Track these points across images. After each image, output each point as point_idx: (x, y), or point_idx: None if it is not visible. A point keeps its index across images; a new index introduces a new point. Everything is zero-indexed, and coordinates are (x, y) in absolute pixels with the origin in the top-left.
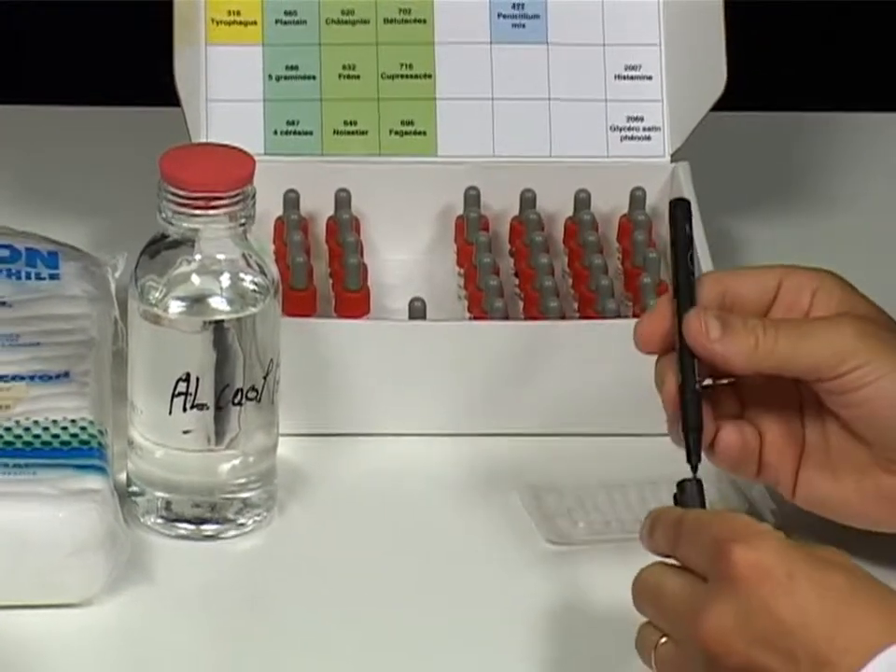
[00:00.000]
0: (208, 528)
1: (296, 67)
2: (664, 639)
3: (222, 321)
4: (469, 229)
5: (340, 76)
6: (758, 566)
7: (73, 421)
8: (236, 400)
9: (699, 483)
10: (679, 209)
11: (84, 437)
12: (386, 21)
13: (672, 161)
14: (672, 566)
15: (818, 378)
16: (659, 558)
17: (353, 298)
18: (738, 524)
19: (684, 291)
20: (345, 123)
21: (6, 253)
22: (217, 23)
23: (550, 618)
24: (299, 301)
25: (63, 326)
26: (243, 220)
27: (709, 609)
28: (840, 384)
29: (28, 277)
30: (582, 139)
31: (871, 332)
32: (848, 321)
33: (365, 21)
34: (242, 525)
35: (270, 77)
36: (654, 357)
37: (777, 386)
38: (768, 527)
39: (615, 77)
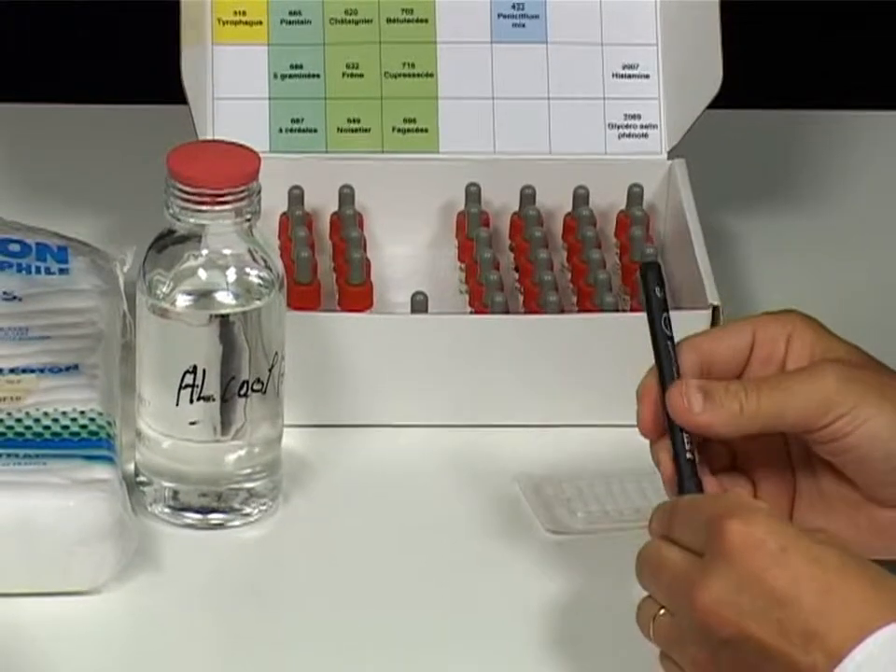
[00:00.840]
0: (214, 517)
1: (300, 66)
2: (661, 612)
3: (228, 315)
4: (470, 224)
5: (343, 74)
6: (751, 538)
7: (82, 412)
8: (242, 392)
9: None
10: (651, 272)
11: (93, 428)
12: (389, 20)
13: (669, 158)
14: (672, 542)
15: (805, 430)
16: None
17: (356, 292)
18: (731, 501)
19: (666, 363)
20: (349, 121)
21: (16, 248)
22: (224, 23)
23: (549, 605)
24: (303, 294)
25: (73, 319)
26: (248, 216)
27: (704, 582)
28: (827, 433)
29: (38, 272)
30: (581, 136)
31: (851, 377)
32: (828, 370)
33: (368, 21)
34: (247, 514)
35: (275, 75)
36: (648, 352)
37: (765, 437)
38: (762, 504)
39: (613, 75)
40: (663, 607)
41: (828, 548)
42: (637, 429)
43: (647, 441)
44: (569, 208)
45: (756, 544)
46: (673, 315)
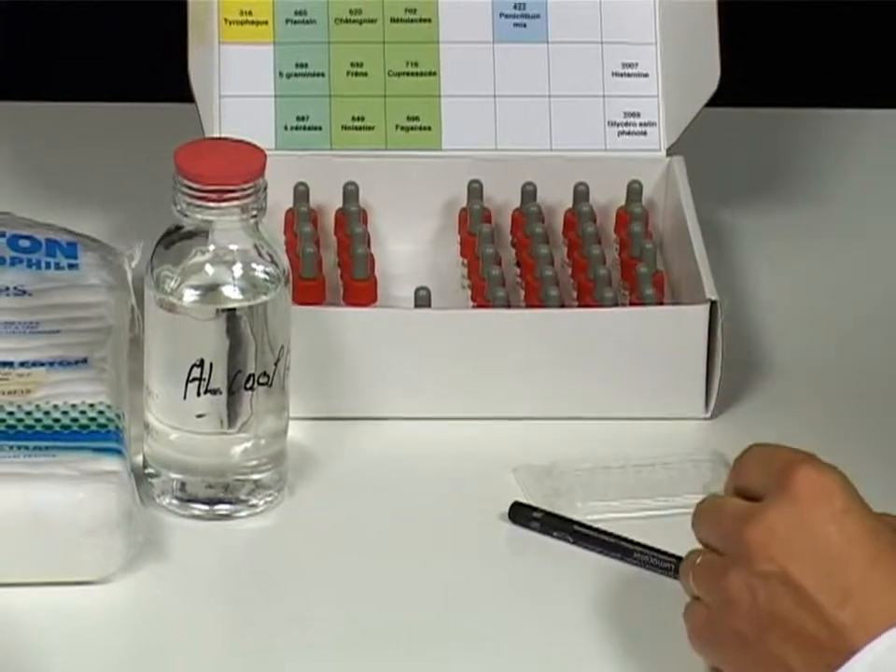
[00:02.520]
0: (221, 509)
1: (305, 65)
2: (703, 556)
3: (235, 309)
4: (472, 220)
5: (348, 73)
6: (820, 487)
7: (91, 405)
8: (248, 385)
9: None
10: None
11: (102, 420)
12: (393, 20)
13: (668, 155)
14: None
15: None
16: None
17: (360, 287)
18: (808, 454)
19: None
20: (353, 119)
21: (27, 243)
22: (230, 23)
23: (550, 594)
24: (308, 289)
25: (82, 314)
26: (255, 212)
27: (763, 514)
28: None
29: (48, 267)
30: (581, 134)
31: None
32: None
33: (372, 21)
34: (253, 505)
35: (280, 74)
36: (647, 346)
37: None
38: (831, 465)
39: (613, 74)
40: (713, 549)
41: (883, 524)
42: (637, 422)
43: (648, 434)
44: (570, 204)
45: (822, 496)
46: (672, 309)
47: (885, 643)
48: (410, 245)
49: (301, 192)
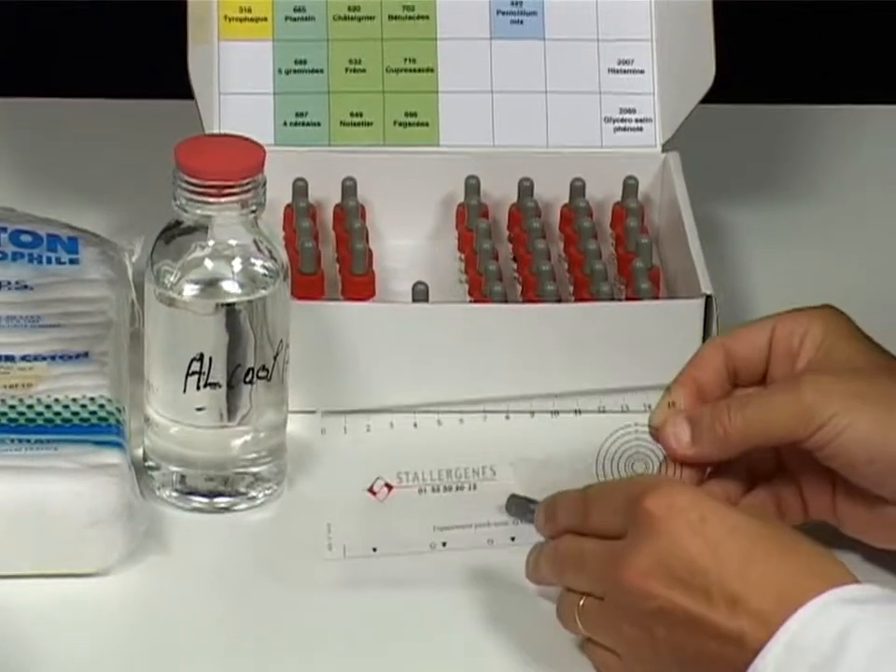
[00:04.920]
0: (221, 501)
1: (304, 62)
2: (583, 600)
3: (234, 304)
4: (470, 216)
5: (346, 69)
6: (671, 507)
7: (92, 399)
8: (247, 379)
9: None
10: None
11: (102, 414)
12: (391, 17)
13: (663, 151)
14: (586, 533)
15: (795, 441)
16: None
17: (359, 281)
18: (647, 479)
19: None
20: (352, 115)
21: (28, 238)
22: (229, 20)
23: (546, 586)
24: (307, 284)
25: (83, 308)
26: (254, 207)
27: (628, 557)
28: (812, 443)
29: (49, 262)
30: (578, 130)
31: (830, 387)
32: (806, 380)
33: (370, 18)
34: (253, 498)
35: (279, 70)
36: (643, 340)
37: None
38: (676, 479)
39: (609, 70)
40: (585, 595)
41: (745, 517)
42: (632, 415)
43: (644, 427)
44: (566, 200)
45: (675, 514)
46: (668, 304)
47: (790, 630)
48: (408, 240)
49: (300, 188)
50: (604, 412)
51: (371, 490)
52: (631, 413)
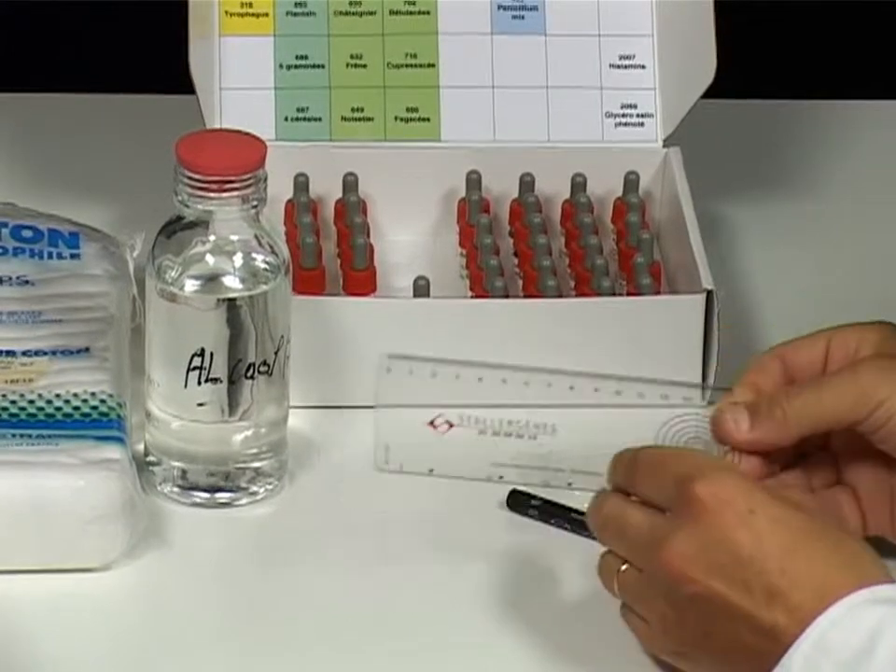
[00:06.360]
0: (222, 496)
1: (305, 57)
2: (625, 566)
3: (235, 299)
4: (471, 211)
5: (347, 65)
6: (719, 497)
7: (93, 394)
8: (249, 374)
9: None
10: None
11: (104, 409)
12: (392, 12)
13: (664, 147)
14: (633, 496)
15: (853, 423)
16: None
17: (360, 277)
18: (698, 459)
19: None
20: (353, 110)
21: (29, 234)
22: (231, 15)
23: (547, 580)
24: (308, 279)
25: (84, 303)
26: (255, 203)
27: (671, 539)
28: (869, 424)
29: (50, 257)
30: (579, 125)
31: (888, 367)
32: (866, 362)
33: (372, 13)
34: (254, 493)
35: (281, 66)
36: (644, 335)
37: (858, 444)
38: (728, 463)
39: (610, 66)
40: (626, 562)
41: (794, 510)
42: (632, 409)
43: (643, 421)
44: (567, 195)
45: (724, 504)
46: (669, 299)
47: (819, 628)
48: (409, 235)
49: (301, 183)
50: (605, 406)
51: (431, 424)
52: (633, 407)
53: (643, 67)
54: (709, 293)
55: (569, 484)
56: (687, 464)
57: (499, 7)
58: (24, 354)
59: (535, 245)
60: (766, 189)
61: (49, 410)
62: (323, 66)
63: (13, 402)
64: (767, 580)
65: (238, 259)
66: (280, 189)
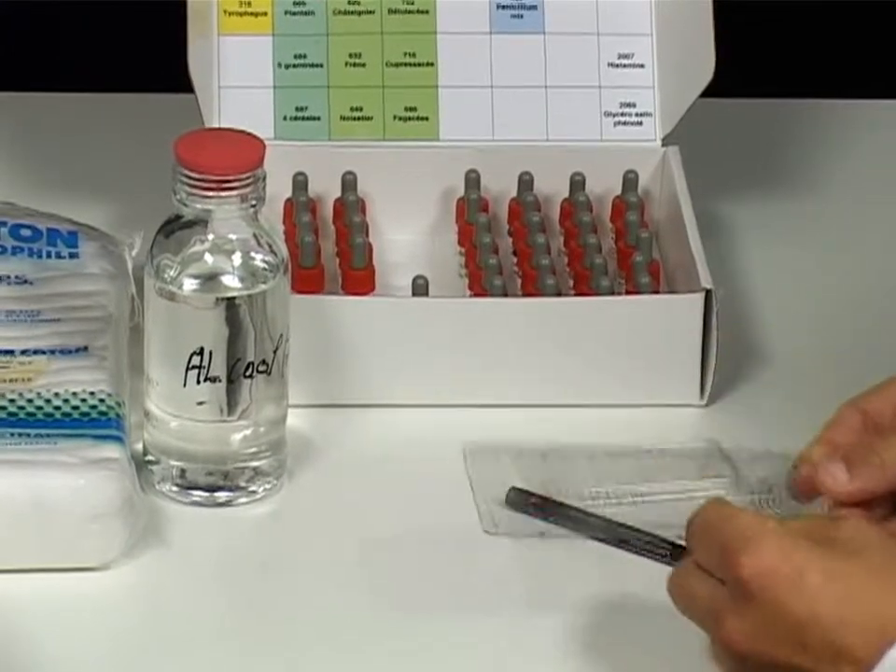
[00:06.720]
0: (221, 495)
1: (304, 56)
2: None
3: (234, 298)
4: (470, 210)
5: (346, 64)
6: (765, 569)
7: (92, 393)
8: (247, 373)
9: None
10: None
11: (102, 408)
12: (391, 11)
13: (663, 146)
14: (697, 566)
15: None
16: None
17: (359, 276)
18: (741, 526)
19: None
20: (352, 109)
21: (28, 233)
22: (229, 14)
23: (546, 578)
24: (307, 278)
25: (83, 302)
26: (254, 202)
27: (729, 617)
28: None
29: (49, 256)
30: (577, 124)
31: None
32: None
33: (370, 12)
34: (253, 492)
35: (279, 65)
36: (643, 334)
37: None
38: (771, 525)
39: (609, 65)
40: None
41: (844, 556)
42: (631, 409)
43: (641, 421)
44: (566, 194)
45: (770, 576)
46: (668, 298)
47: (890, 659)
48: (408, 234)
49: (300, 182)
50: (604, 405)
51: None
52: (631, 406)
53: (642, 66)
54: (708, 292)
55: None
56: (730, 534)
57: (498, 6)
58: (23, 353)
59: (534, 243)
60: (765, 188)
61: (48, 409)
62: (322, 65)
63: (12, 401)
64: (829, 637)
65: (237, 258)
66: (279, 188)
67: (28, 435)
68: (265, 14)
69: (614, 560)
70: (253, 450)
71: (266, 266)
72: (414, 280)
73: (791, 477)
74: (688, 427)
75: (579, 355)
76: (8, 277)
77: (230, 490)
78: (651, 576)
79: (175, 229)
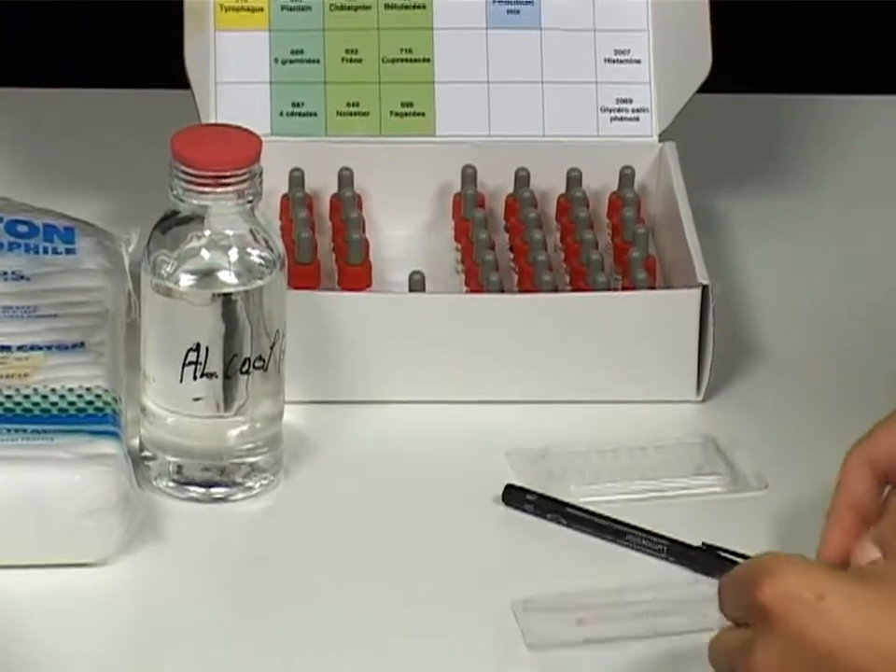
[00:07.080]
0: (217, 491)
1: (301, 51)
2: None
3: (230, 294)
4: (466, 206)
5: (343, 59)
6: (783, 596)
7: (88, 389)
8: (244, 369)
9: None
10: None
11: (99, 404)
12: (387, 6)
13: (660, 141)
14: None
15: None
16: None
17: (355, 271)
18: (759, 563)
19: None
20: (348, 105)
21: (24, 228)
22: (226, 10)
23: (543, 575)
24: (304, 274)
25: (79, 298)
26: (250, 198)
27: (755, 651)
28: None
29: (45, 252)
30: (574, 120)
31: None
32: None
33: (367, 7)
34: (249, 488)
35: (276, 60)
36: (639, 330)
37: None
38: (795, 558)
39: (605, 60)
40: None
41: (865, 581)
42: (627, 405)
43: (638, 417)
44: (563, 190)
45: (790, 602)
46: (664, 294)
47: None
48: (404, 229)
49: (297, 178)
50: (600, 401)
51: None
52: (627, 403)
53: (638, 62)
54: (704, 288)
55: None
56: (749, 573)
57: (494, 1)
58: (19, 349)
59: (530, 239)
60: (762, 183)
61: (45, 405)
62: (318, 61)
63: (8, 397)
64: (856, 663)
65: (233, 254)
66: (275, 183)
67: (24, 431)
68: (261, 10)
69: (611, 556)
70: (249, 446)
71: (262, 262)
72: (411, 276)
73: None
74: (684, 423)
75: (575, 351)
76: (5, 273)
77: (226, 486)
78: (647, 571)
79: (172, 225)
